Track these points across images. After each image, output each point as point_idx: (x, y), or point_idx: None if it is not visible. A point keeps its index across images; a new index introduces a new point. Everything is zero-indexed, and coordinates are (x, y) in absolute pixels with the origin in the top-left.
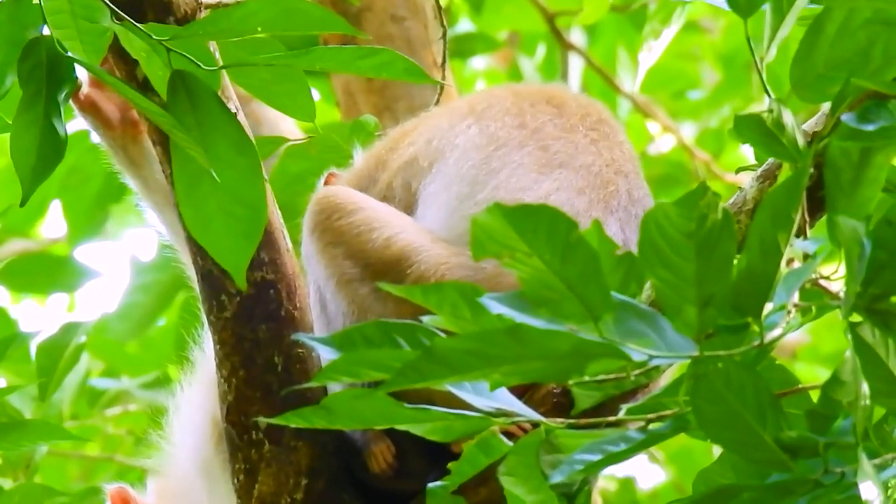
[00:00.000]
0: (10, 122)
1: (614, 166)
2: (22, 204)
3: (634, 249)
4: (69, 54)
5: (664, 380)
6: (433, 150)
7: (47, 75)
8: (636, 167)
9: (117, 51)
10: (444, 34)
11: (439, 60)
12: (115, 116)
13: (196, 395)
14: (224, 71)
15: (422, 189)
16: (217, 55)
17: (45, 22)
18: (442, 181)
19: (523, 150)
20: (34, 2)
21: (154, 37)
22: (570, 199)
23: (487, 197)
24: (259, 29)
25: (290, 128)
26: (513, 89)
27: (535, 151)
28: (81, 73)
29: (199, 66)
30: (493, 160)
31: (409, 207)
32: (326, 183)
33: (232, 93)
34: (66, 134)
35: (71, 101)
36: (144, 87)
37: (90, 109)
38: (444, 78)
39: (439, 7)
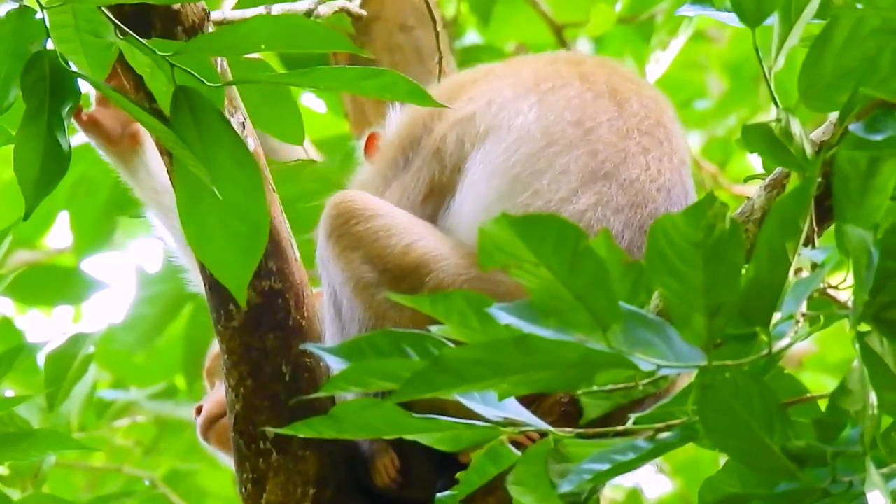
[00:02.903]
0: (14, 134)
1: (659, 181)
2: (25, 217)
3: None
4: (73, 69)
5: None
6: (492, 116)
7: (50, 89)
8: (682, 179)
9: (126, 63)
10: (440, 59)
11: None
12: (116, 132)
13: None
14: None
15: (472, 157)
16: (227, 68)
17: (48, 36)
18: (487, 167)
19: (572, 154)
20: (38, 16)
21: (158, 52)
22: (606, 217)
23: (523, 202)
24: (262, 46)
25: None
26: (580, 72)
27: (584, 157)
28: (89, 91)
29: (203, 82)
30: (541, 160)
31: (456, 167)
32: (368, 142)
33: (240, 104)
34: (69, 148)
35: (73, 120)
36: (153, 98)
37: (92, 127)
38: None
39: (434, 21)
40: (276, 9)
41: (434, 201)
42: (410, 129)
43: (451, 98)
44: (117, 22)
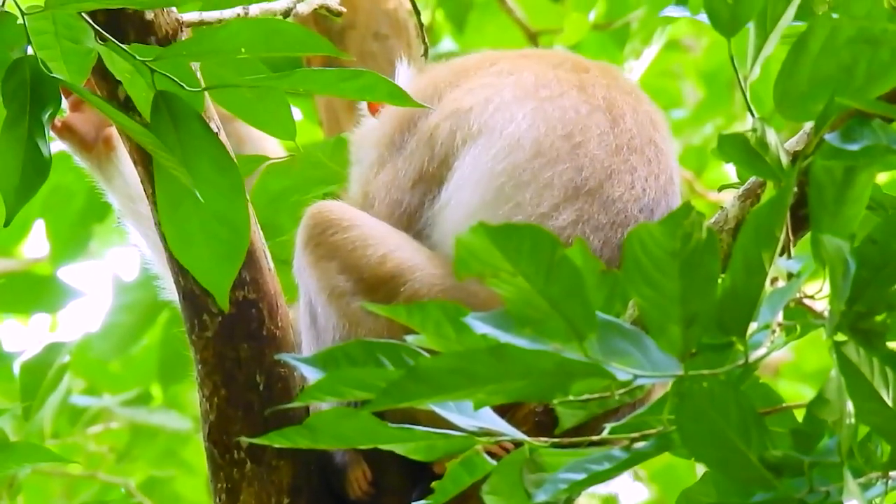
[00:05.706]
0: None
1: (642, 201)
2: (6, 224)
3: None
4: (53, 75)
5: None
6: (487, 116)
7: (31, 95)
8: (668, 199)
9: (99, 71)
10: (426, 50)
11: None
12: (90, 137)
13: None
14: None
15: (462, 154)
16: (199, 75)
17: (29, 42)
18: (474, 172)
19: (557, 168)
20: (18, 22)
21: (138, 57)
22: (585, 234)
23: (505, 214)
24: (242, 50)
25: (273, 146)
26: (581, 80)
27: (569, 171)
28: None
29: (183, 86)
30: (526, 172)
31: (445, 159)
32: (371, 109)
33: (213, 113)
34: (49, 154)
35: None
36: (126, 106)
37: (66, 133)
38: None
39: (421, 25)
40: (255, 8)
41: (422, 188)
42: (409, 109)
43: (452, 82)
44: (97, 27)
